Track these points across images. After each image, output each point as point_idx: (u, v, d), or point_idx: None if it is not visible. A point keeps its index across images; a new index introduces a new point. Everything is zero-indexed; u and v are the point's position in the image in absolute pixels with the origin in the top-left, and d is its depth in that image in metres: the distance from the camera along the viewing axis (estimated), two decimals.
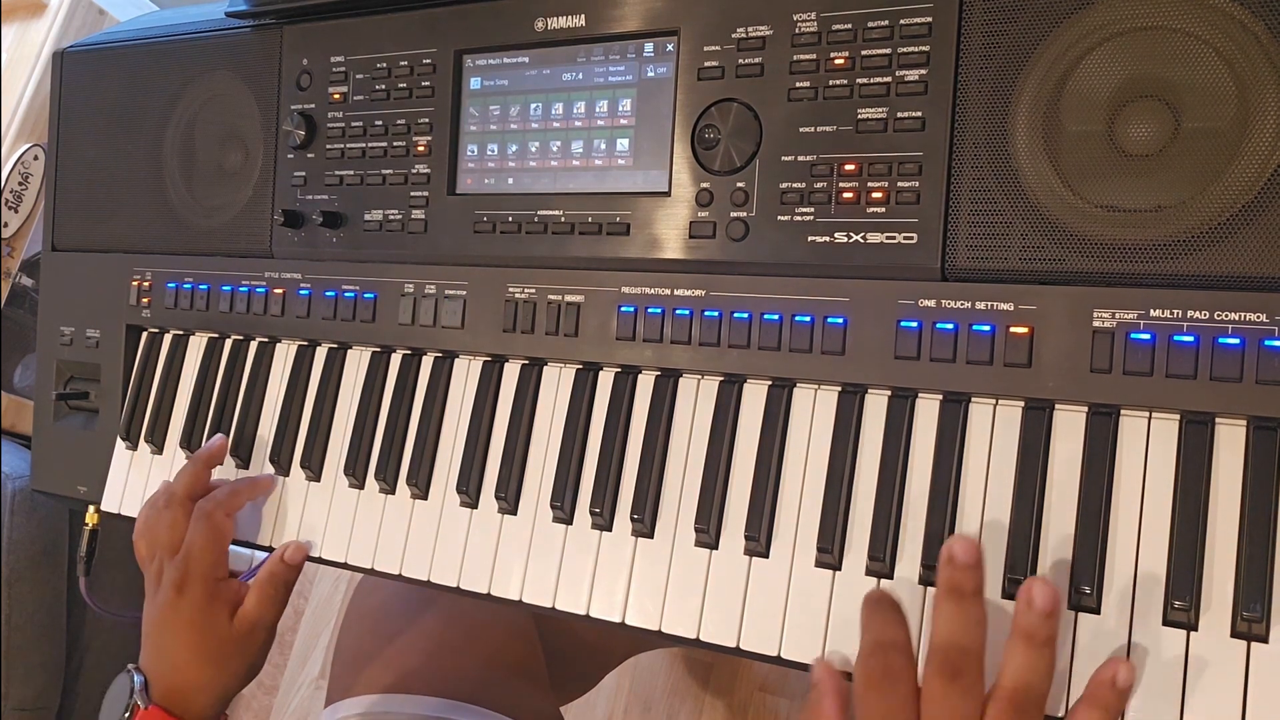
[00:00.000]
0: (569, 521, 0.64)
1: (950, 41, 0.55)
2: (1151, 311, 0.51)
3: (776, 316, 0.59)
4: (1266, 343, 0.48)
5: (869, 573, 0.56)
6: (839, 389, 0.59)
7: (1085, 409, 0.53)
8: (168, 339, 0.84)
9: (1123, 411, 0.52)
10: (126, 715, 0.67)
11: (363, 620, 0.85)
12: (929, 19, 0.56)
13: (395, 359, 0.74)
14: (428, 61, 0.71)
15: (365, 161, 0.74)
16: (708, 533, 0.59)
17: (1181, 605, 0.48)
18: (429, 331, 0.71)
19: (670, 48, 0.63)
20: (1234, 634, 0.48)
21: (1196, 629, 0.48)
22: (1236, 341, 0.49)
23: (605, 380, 0.65)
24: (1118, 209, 0.52)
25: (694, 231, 0.62)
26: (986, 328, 0.54)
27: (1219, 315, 0.49)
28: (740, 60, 0.61)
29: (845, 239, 0.58)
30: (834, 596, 0.56)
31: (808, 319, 0.59)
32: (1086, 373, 0.52)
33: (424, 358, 0.72)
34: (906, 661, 0.48)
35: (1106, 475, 0.51)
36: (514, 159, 0.69)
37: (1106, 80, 0.52)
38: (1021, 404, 0.54)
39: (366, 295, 0.73)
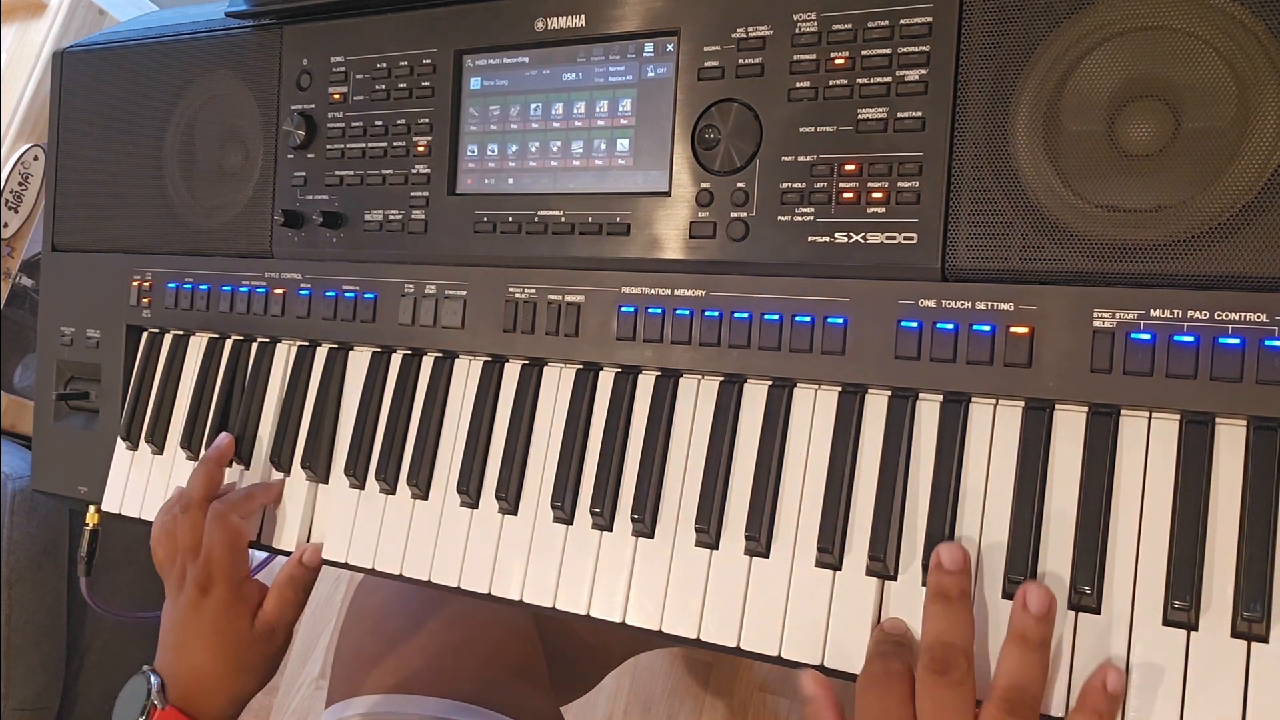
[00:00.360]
0: (569, 522, 0.64)
1: (950, 41, 0.55)
2: (1152, 311, 0.51)
3: (777, 316, 0.59)
4: (1267, 343, 0.48)
5: (869, 573, 0.56)
6: (839, 389, 0.59)
7: (1085, 409, 0.53)
8: (168, 339, 0.84)
9: (1123, 411, 0.52)
10: (142, 718, 0.68)
11: (363, 621, 0.85)
12: (929, 19, 0.56)
13: (395, 359, 0.74)
14: (428, 61, 0.71)
15: (365, 161, 0.74)
16: (708, 533, 0.59)
17: (1181, 605, 0.48)
18: (429, 331, 0.71)
19: (670, 48, 0.63)
20: (1234, 634, 0.48)
21: (1196, 629, 0.48)
22: (1237, 341, 0.49)
23: (605, 380, 0.65)
24: (1118, 209, 0.52)
25: (694, 231, 0.62)
26: (987, 328, 0.54)
27: (1219, 315, 0.49)
28: (740, 60, 0.61)
29: (845, 239, 0.58)
30: (834, 596, 0.56)
31: (808, 319, 0.59)
32: (1087, 373, 0.52)
33: (424, 358, 0.72)
34: (903, 666, 0.51)
35: (1106, 475, 0.51)
36: (514, 159, 0.69)
37: (1107, 80, 0.52)
38: (1022, 404, 0.54)
39: (366, 295, 0.73)
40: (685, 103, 0.63)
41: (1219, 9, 0.49)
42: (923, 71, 0.56)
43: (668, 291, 0.63)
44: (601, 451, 0.64)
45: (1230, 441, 0.49)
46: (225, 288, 0.80)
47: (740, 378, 0.61)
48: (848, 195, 0.58)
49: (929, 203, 0.56)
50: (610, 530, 0.63)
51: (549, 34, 0.67)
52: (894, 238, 0.57)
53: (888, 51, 0.57)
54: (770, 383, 0.60)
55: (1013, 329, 0.53)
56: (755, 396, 0.61)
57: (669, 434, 0.63)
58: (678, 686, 1.37)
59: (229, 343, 0.81)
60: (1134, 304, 0.51)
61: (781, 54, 0.60)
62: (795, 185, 0.59)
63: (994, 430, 0.55)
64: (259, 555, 0.78)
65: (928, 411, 0.56)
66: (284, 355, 0.78)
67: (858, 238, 0.58)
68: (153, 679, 0.68)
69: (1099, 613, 0.50)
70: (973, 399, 0.55)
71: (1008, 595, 0.52)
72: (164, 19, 0.89)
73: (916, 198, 0.56)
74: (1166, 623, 0.49)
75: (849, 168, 0.58)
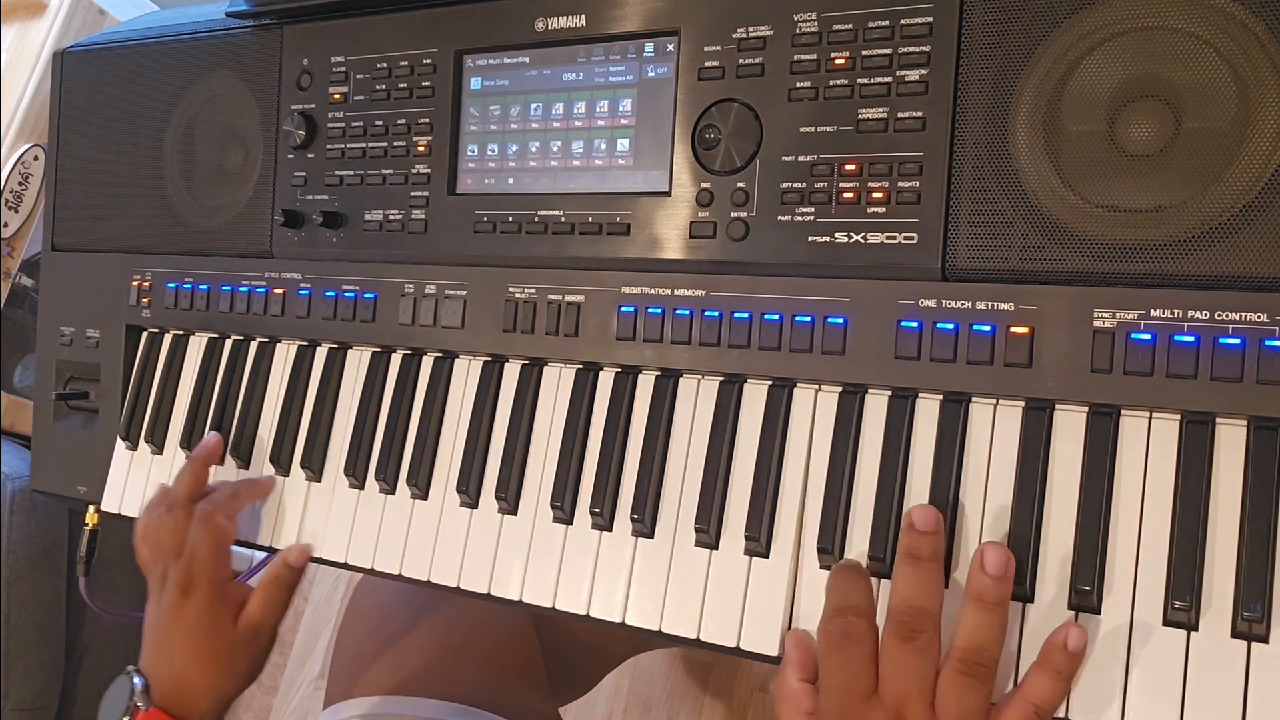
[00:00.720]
0: (569, 521, 0.64)
1: (951, 41, 0.55)
2: (1152, 311, 0.51)
3: (777, 316, 0.59)
4: (1267, 343, 0.48)
5: (870, 573, 0.55)
6: (839, 389, 0.58)
7: (1086, 409, 0.53)
8: (168, 339, 0.84)
9: (1123, 411, 0.52)
10: (126, 718, 0.67)
11: (362, 621, 0.85)
12: (929, 19, 0.56)
13: (395, 359, 0.74)
14: (428, 61, 0.71)
15: (365, 161, 0.74)
16: (708, 533, 0.59)
17: (1181, 605, 0.48)
18: (429, 331, 0.71)
19: (670, 48, 0.63)
20: (1234, 634, 0.48)
21: (1196, 629, 0.48)
22: (1237, 341, 0.49)
23: (605, 380, 0.65)
24: (1118, 209, 0.52)
25: (694, 231, 0.62)
26: (987, 328, 0.54)
27: (1219, 315, 0.49)
28: (740, 60, 0.61)
29: (846, 239, 0.58)
30: None
31: (808, 319, 0.59)
32: (1087, 373, 0.52)
33: (424, 358, 0.72)
34: (866, 625, 0.51)
35: (1107, 475, 0.51)
36: (514, 159, 0.69)
37: (1107, 80, 0.52)
38: (1022, 404, 0.54)
39: (366, 295, 0.73)
40: (685, 103, 0.63)
41: (1219, 9, 0.49)
42: (923, 71, 0.56)
43: (668, 291, 0.63)
44: (601, 451, 0.64)
45: (1230, 442, 0.49)
46: (225, 288, 0.80)
47: (740, 378, 0.61)
48: (848, 195, 0.58)
49: (929, 203, 0.56)
50: (610, 530, 0.63)
51: (549, 34, 0.67)
52: (894, 238, 0.57)
53: (888, 51, 0.57)
54: (770, 383, 0.60)
55: (1013, 329, 0.53)
56: (755, 396, 0.60)
57: (669, 434, 0.63)
58: (678, 686, 1.36)
59: (229, 343, 0.81)
60: (1134, 304, 0.51)
61: (782, 54, 0.60)
62: (795, 185, 0.59)
63: (994, 430, 0.55)
64: (258, 555, 0.78)
65: (928, 411, 0.56)
66: (284, 355, 0.78)
67: (858, 238, 0.58)
68: (136, 680, 0.68)
69: (1099, 613, 0.50)
70: (973, 399, 0.55)
71: None
72: (164, 19, 0.89)
73: (917, 198, 0.56)
74: (1166, 623, 0.49)
75: (849, 168, 0.58)
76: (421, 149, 0.71)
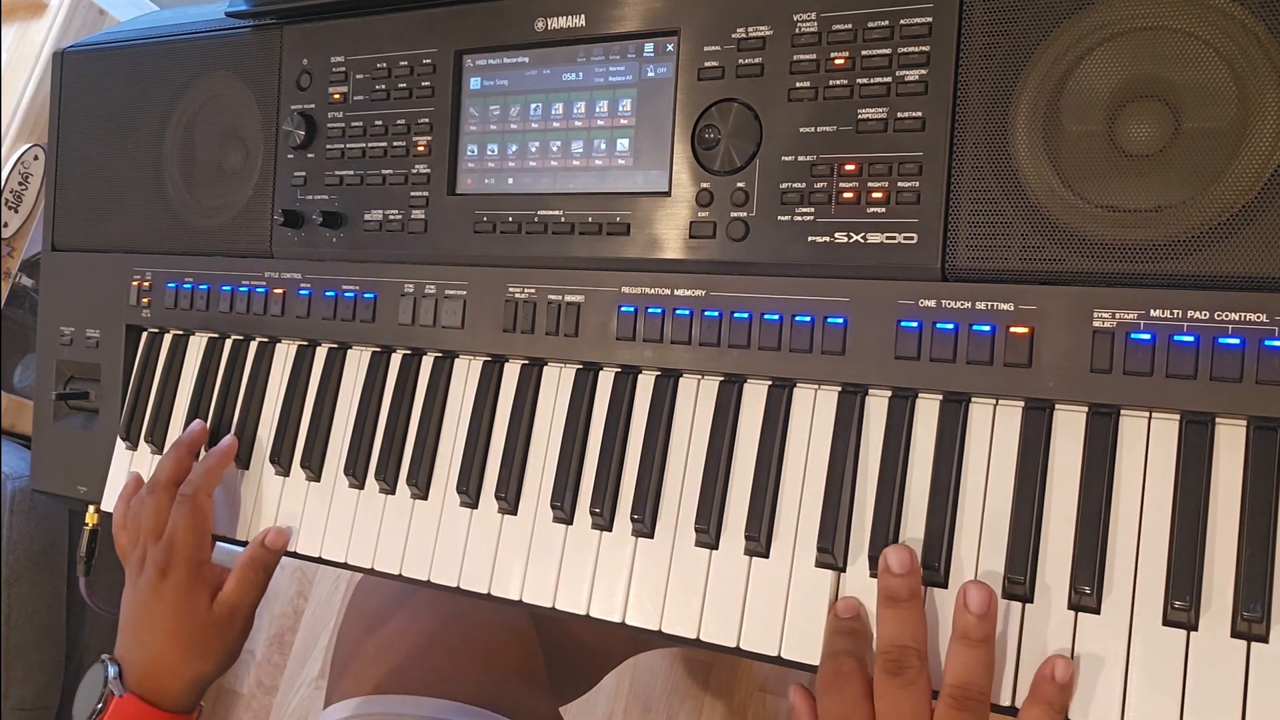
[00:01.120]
0: (569, 521, 0.64)
1: (950, 41, 0.55)
2: (1152, 311, 0.51)
3: (777, 316, 0.59)
4: (1267, 343, 0.48)
5: (870, 573, 0.56)
6: (839, 389, 0.58)
7: (1085, 409, 0.53)
8: (168, 339, 0.84)
9: (1123, 411, 0.52)
10: (99, 706, 0.67)
11: (362, 621, 0.85)
12: (929, 19, 0.56)
13: (395, 359, 0.74)
14: (428, 61, 0.71)
15: (365, 161, 0.74)
16: (708, 533, 0.59)
17: (1181, 605, 0.48)
18: (429, 331, 0.71)
19: (670, 48, 0.63)
20: (1234, 634, 0.48)
21: (1196, 629, 0.48)
22: (1237, 341, 0.49)
23: (605, 380, 0.65)
24: (1118, 209, 0.52)
25: (694, 231, 0.62)
26: (986, 328, 0.54)
27: (1219, 315, 0.49)
28: (740, 60, 0.61)
29: (845, 239, 0.58)
30: (835, 597, 0.56)
31: (808, 319, 0.59)
32: (1087, 373, 0.52)
33: (424, 358, 0.72)
34: (856, 664, 0.53)
35: (1106, 475, 0.51)
36: (514, 159, 0.69)
37: (1107, 80, 0.52)
38: (1022, 404, 0.54)
39: (366, 295, 0.73)
40: (685, 103, 0.63)
41: (1219, 9, 0.49)
42: (923, 71, 0.56)
43: (668, 291, 0.63)
44: (601, 451, 0.64)
45: (1230, 441, 0.49)
46: (225, 287, 0.80)
47: (740, 378, 0.61)
48: (848, 195, 0.58)
49: (929, 203, 0.56)
50: (610, 530, 0.63)
51: (549, 34, 0.67)
52: (894, 238, 0.57)
53: (888, 51, 0.57)
54: (770, 383, 0.60)
55: (1013, 329, 0.53)
56: (755, 396, 0.61)
57: (669, 434, 0.63)
58: (678, 686, 1.37)
59: (229, 342, 0.81)
60: (1134, 304, 0.51)
61: (781, 54, 0.60)
62: (795, 185, 0.59)
63: (994, 430, 0.55)
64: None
65: (927, 411, 0.56)
66: (283, 355, 0.78)
67: (858, 238, 0.58)
68: (110, 667, 0.69)
69: (1099, 613, 0.50)
70: (973, 399, 0.55)
71: (1008, 595, 0.52)
72: (164, 19, 0.89)
73: (916, 198, 0.56)
74: (1166, 623, 0.49)
75: (849, 168, 0.58)
76: (421, 149, 0.71)
